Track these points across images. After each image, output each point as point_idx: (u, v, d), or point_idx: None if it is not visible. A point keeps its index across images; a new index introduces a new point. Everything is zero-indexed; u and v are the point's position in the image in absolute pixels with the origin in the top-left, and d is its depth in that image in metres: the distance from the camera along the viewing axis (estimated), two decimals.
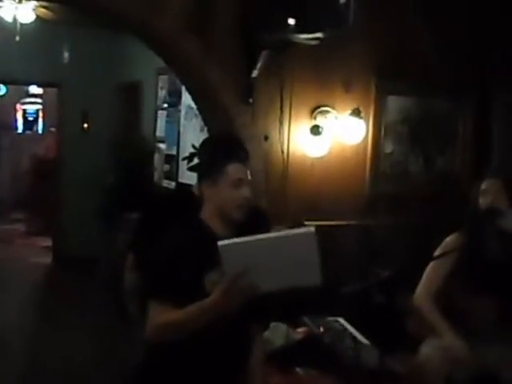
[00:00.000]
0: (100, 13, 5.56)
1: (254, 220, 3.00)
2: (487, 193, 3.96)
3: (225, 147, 3.00)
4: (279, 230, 2.78)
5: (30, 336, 7.48)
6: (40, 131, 16.00)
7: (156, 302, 2.77)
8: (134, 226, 4.27)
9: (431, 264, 4.02)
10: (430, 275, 4.03)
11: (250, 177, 2.91)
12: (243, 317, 2.71)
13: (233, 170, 2.87)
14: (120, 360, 6.21)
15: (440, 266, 3.98)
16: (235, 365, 2.94)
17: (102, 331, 7.48)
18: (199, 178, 2.99)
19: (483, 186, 4.00)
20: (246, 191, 2.87)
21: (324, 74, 5.63)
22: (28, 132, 15.98)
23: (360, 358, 4.08)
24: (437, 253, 4.01)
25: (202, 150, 3.32)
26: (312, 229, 2.66)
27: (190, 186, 3.86)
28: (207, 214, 2.92)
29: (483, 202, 3.96)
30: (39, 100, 15.74)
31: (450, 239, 4.06)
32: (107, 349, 6.89)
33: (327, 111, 5.63)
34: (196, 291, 2.72)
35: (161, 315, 2.74)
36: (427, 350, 3.97)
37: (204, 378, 2.86)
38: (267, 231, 2.91)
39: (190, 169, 6.04)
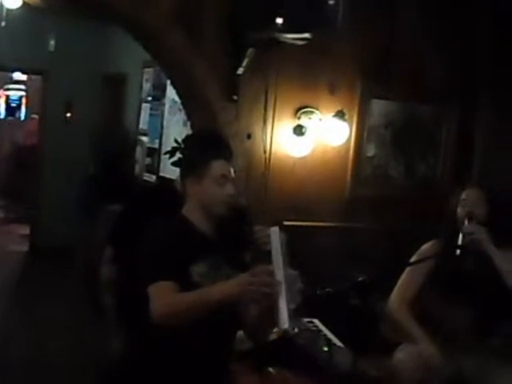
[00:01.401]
0: (88, 3, 5.53)
1: (236, 217, 3.01)
2: (466, 203, 3.97)
3: (209, 144, 3.00)
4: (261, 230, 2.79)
5: (4, 323, 7.43)
6: (22, 118, 15.90)
7: (158, 284, 2.71)
8: (114, 219, 4.25)
9: (407, 270, 4.04)
10: (405, 281, 4.04)
11: (233, 174, 2.92)
12: (222, 318, 2.71)
13: (217, 166, 2.88)
14: (92, 351, 6.20)
15: (415, 273, 4.00)
16: (219, 356, 2.94)
17: (75, 322, 7.45)
18: (183, 174, 3.00)
19: (463, 195, 4.00)
20: (229, 188, 2.89)
21: (309, 75, 5.63)
22: (10, 118, 15.87)
23: (333, 360, 4.08)
24: (413, 259, 4.03)
25: (186, 146, 3.32)
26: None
27: (171, 180, 3.85)
28: (190, 209, 2.92)
29: (461, 211, 3.97)
30: (23, 87, 15.64)
31: (426, 246, 4.08)
32: (80, 339, 6.88)
33: (311, 112, 5.63)
34: (182, 282, 2.71)
35: (168, 293, 2.68)
36: (401, 355, 3.98)
37: (188, 375, 2.86)
38: (249, 229, 2.93)
39: (174, 164, 6.03)
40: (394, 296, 4.06)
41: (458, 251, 3.81)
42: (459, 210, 3.98)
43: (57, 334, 7.09)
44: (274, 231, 2.64)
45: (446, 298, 3.91)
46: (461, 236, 3.82)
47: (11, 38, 9.44)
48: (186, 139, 3.48)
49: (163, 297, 2.68)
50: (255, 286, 2.54)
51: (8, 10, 8.35)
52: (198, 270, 2.76)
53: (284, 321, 2.60)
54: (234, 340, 3.05)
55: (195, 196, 2.90)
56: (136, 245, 2.85)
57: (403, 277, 4.06)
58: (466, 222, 3.87)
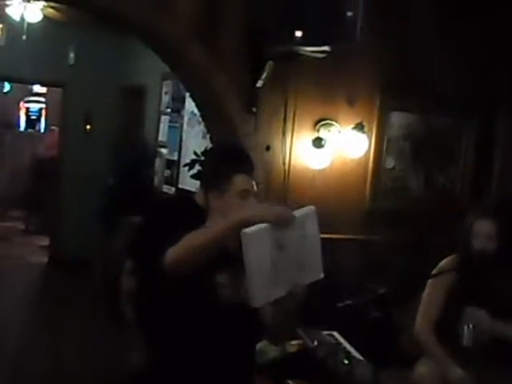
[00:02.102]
0: (107, 15, 5.56)
1: None
2: (479, 236, 3.95)
3: (232, 158, 3.00)
4: None
5: (22, 335, 7.47)
6: (42, 130, 16.00)
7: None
8: (133, 231, 4.25)
9: (428, 287, 4.02)
10: (427, 300, 4.03)
11: (255, 187, 2.93)
12: (244, 327, 2.71)
13: (239, 180, 2.88)
14: (111, 362, 6.21)
15: (437, 290, 3.99)
16: (239, 368, 2.95)
17: (94, 333, 7.47)
18: (205, 188, 3.00)
19: (475, 227, 3.97)
20: (252, 202, 2.89)
21: (328, 87, 5.64)
22: (30, 130, 15.98)
23: (353, 374, 4.08)
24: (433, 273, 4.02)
25: (208, 159, 3.32)
26: (313, 207, 2.71)
27: (191, 192, 3.85)
28: (214, 223, 2.92)
29: (475, 243, 3.95)
30: (42, 99, 15.75)
31: (445, 261, 4.06)
32: (99, 351, 6.89)
33: (330, 124, 5.63)
34: (206, 290, 2.72)
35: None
36: (422, 369, 3.97)
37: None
38: None
39: (193, 176, 6.05)
40: (419, 317, 4.04)
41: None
42: (473, 240, 3.96)
43: (76, 346, 7.11)
44: (246, 234, 2.62)
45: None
46: (465, 329, 3.81)
47: (32, 51, 9.51)
48: (208, 152, 3.49)
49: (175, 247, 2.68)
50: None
51: (29, 23, 8.44)
52: (220, 280, 2.77)
53: (253, 298, 2.56)
54: (254, 352, 3.05)
55: (218, 209, 2.91)
56: (156, 257, 2.86)
57: (425, 295, 4.05)
58: (468, 310, 3.85)
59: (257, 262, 2.56)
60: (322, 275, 2.75)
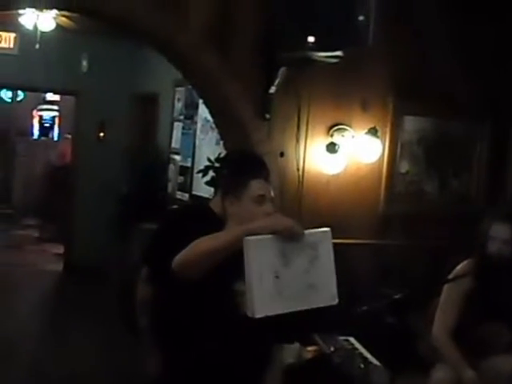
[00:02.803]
0: (120, 24, 5.58)
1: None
2: (495, 240, 3.94)
3: (248, 164, 3.04)
4: None
5: (38, 342, 7.48)
6: (55, 138, 16.07)
7: None
8: (148, 238, 4.26)
9: (444, 292, 4.01)
10: (444, 305, 4.01)
11: (271, 193, 2.94)
12: (260, 336, 2.71)
13: (255, 186, 2.91)
14: (126, 371, 6.21)
15: (453, 294, 3.97)
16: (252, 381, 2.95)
17: (110, 341, 7.47)
18: (222, 194, 3.02)
19: (491, 231, 3.96)
20: (268, 207, 2.91)
21: (342, 93, 5.64)
22: (43, 138, 16.04)
23: (370, 379, 4.07)
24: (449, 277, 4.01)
25: (224, 166, 3.34)
26: (328, 229, 2.73)
27: (205, 198, 3.86)
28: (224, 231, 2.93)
29: (491, 247, 3.94)
30: (55, 107, 15.82)
31: (461, 266, 4.05)
32: (114, 359, 6.89)
33: (344, 129, 5.63)
34: (224, 300, 2.74)
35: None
36: (439, 374, 3.95)
37: None
38: None
39: (207, 183, 6.05)
40: (437, 322, 4.03)
41: None
42: (489, 244, 3.95)
43: (91, 354, 7.10)
44: (248, 241, 2.63)
45: (484, 316, 3.88)
46: None
47: (45, 59, 9.54)
48: (224, 159, 3.50)
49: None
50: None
51: (42, 32, 8.48)
52: (238, 288, 2.77)
53: (251, 309, 2.56)
54: (270, 359, 3.05)
55: (235, 216, 2.92)
56: (171, 264, 2.86)
57: (442, 300, 4.04)
58: None
59: (257, 270, 2.56)
60: (336, 301, 2.74)
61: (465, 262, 4.05)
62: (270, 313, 2.62)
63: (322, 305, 2.74)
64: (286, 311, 2.63)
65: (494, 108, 6.10)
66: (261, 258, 2.57)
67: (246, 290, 2.58)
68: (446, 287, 4.03)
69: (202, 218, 3.52)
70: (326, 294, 2.73)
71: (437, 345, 4.02)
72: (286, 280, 2.61)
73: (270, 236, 2.60)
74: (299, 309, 2.70)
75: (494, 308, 3.86)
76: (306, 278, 2.66)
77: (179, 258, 2.69)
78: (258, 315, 2.56)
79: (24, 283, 9.96)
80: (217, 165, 6.05)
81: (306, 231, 2.66)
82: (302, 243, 2.64)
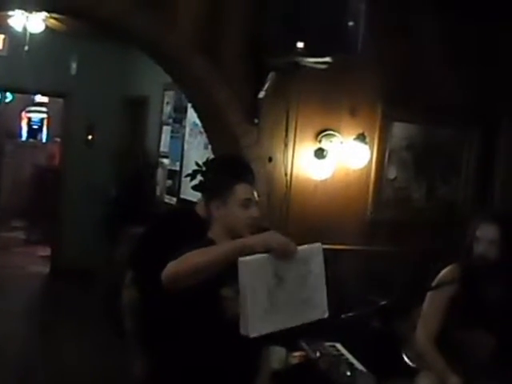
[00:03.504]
0: (109, 27, 5.57)
1: None
2: (481, 241, 3.93)
3: (233, 168, 3.05)
4: None
5: (25, 344, 7.46)
6: (44, 140, 16.02)
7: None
8: (135, 242, 4.25)
9: (428, 297, 4.00)
10: (427, 311, 4.00)
11: (257, 197, 2.95)
12: (248, 340, 2.71)
13: (241, 190, 2.91)
14: (113, 374, 6.20)
15: (436, 300, 3.96)
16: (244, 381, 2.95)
17: (96, 344, 7.45)
18: (207, 198, 3.02)
19: (478, 232, 3.96)
20: (254, 211, 2.92)
21: (330, 98, 5.65)
22: (31, 140, 15.99)
23: None
24: (433, 284, 4.00)
25: (210, 170, 3.35)
26: (319, 244, 2.75)
27: (192, 202, 3.86)
28: (217, 233, 2.94)
29: (476, 248, 3.94)
30: (44, 109, 15.77)
31: (445, 271, 4.04)
32: (101, 361, 6.88)
33: (332, 135, 5.64)
34: (211, 305, 2.75)
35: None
36: (424, 381, 3.95)
37: None
38: None
39: (194, 188, 6.04)
40: (420, 329, 4.02)
41: None
42: (475, 246, 3.94)
43: (78, 356, 7.10)
44: (242, 262, 2.64)
45: (467, 324, 3.87)
46: None
47: (34, 61, 9.51)
48: (209, 163, 3.50)
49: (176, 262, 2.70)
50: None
51: (31, 34, 8.46)
52: (224, 294, 2.77)
53: (245, 328, 2.58)
54: (258, 364, 3.05)
55: (221, 219, 2.93)
56: (158, 268, 2.86)
57: (425, 306, 4.02)
58: None
59: (252, 290, 2.57)
60: (326, 315, 2.77)
61: (449, 268, 4.04)
62: (264, 331, 2.65)
63: (313, 319, 2.77)
64: (279, 329, 2.66)
65: (481, 114, 6.12)
66: (255, 278, 2.59)
67: (240, 310, 2.59)
68: (428, 294, 4.02)
69: (187, 222, 3.53)
70: (318, 308, 2.76)
71: (421, 351, 4.02)
72: (279, 298, 2.63)
73: (263, 255, 2.61)
74: (292, 325, 2.73)
75: (479, 313, 3.85)
76: (299, 295, 2.69)
77: (168, 271, 2.68)
78: (253, 335, 2.58)
79: (11, 285, 9.91)
80: (205, 169, 6.05)
81: (299, 247, 2.68)
82: (294, 260, 2.65)
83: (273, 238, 2.66)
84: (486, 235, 3.91)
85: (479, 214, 4.18)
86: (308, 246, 2.75)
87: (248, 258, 2.58)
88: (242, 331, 2.58)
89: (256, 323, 2.58)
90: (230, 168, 3.05)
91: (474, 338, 3.85)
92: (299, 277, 2.68)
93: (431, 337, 3.95)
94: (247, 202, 2.90)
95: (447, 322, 3.94)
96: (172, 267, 2.68)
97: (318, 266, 2.75)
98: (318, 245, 2.77)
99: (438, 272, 4.09)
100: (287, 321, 2.68)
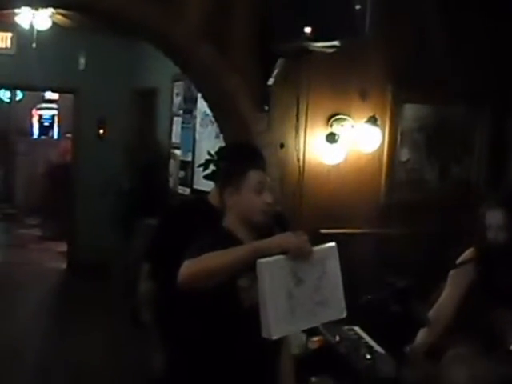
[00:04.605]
0: (116, 20, 5.57)
1: (275, 225, 3.02)
2: (491, 227, 3.92)
3: (244, 155, 3.06)
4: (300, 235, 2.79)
5: (43, 340, 7.51)
6: (55, 137, 16.07)
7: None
8: (150, 234, 4.27)
9: (449, 282, 3.98)
10: (447, 297, 3.98)
11: (269, 183, 2.95)
12: None
13: (254, 176, 2.92)
14: (132, 366, 6.23)
15: (458, 286, 3.95)
16: (263, 373, 2.95)
17: (115, 337, 7.49)
18: (220, 186, 3.02)
19: (487, 218, 3.95)
20: (267, 196, 2.92)
21: (340, 82, 5.63)
22: (43, 137, 16.05)
23: (376, 368, 4.07)
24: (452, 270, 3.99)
25: (222, 159, 3.35)
26: (333, 244, 2.78)
27: (205, 192, 3.86)
28: (231, 221, 2.95)
29: (489, 234, 3.93)
30: (55, 105, 15.82)
31: (465, 255, 4.03)
32: (120, 355, 6.91)
33: (343, 119, 5.62)
34: (228, 296, 2.76)
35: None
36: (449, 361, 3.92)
37: None
38: None
39: (206, 177, 6.05)
40: (422, 334, 3.98)
41: None
42: (487, 231, 3.94)
43: (96, 350, 7.13)
44: (261, 263, 2.65)
45: (490, 305, 3.86)
46: None
47: (42, 58, 9.53)
48: (221, 152, 3.50)
49: (192, 262, 2.71)
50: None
51: (38, 31, 8.48)
52: (241, 284, 2.78)
53: (267, 330, 2.61)
54: (277, 354, 3.04)
55: (234, 207, 2.93)
56: (173, 259, 2.86)
57: (446, 289, 4.00)
58: None
59: (271, 292, 2.60)
60: (344, 314, 2.78)
61: (468, 250, 4.04)
62: (285, 333, 2.70)
63: (331, 319, 2.81)
64: (299, 329, 2.69)
65: (493, 92, 6.08)
66: (274, 279, 2.62)
67: (261, 312, 2.62)
68: (449, 278, 4.00)
69: (200, 212, 3.53)
70: (336, 308, 2.79)
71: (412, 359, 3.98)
72: (298, 299, 2.66)
73: (281, 257, 2.63)
74: (311, 325, 2.77)
75: (499, 295, 3.84)
76: (316, 295, 2.72)
77: (184, 273, 2.70)
78: (275, 336, 2.62)
79: (28, 282, 9.99)
80: (217, 158, 6.05)
81: (314, 248, 2.69)
82: (310, 261, 2.66)
83: (289, 239, 2.67)
84: (494, 221, 3.91)
85: (487, 199, 4.17)
86: (323, 247, 2.78)
87: (266, 259, 2.60)
88: (264, 333, 2.62)
89: (277, 325, 2.61)
90: (242, 155, 3.07)
91: (499, 320, 3.84)
92: (316, 277, 2.71)
93: (431, 344, 3.93)
94: (260, 188, 2.91)
95: (470, 308, 3.93)
96: (188, 269, 2.69)
97: (333, 266, 2.78)
98: (332, 244, 2.80)
99: (455, 252, 4.08)
100: (307, 321, 2.73)
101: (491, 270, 3.90)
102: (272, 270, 2.61)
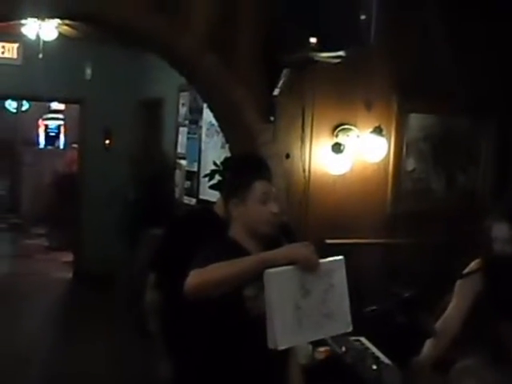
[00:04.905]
0: (123, 31, 5.59)
1: (281, 235, 3.02)
2: (497, 240, 3.91)
3: (250, 166, 3.06)
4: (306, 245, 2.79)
5: (49, 350, 7.51)
6: (61, 147, 16.10)
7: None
8: (155, 244, 4.27)
9: (456, 293, 3.96)
10: (455, 308, 3.96)
11: (275, 193, 2.95)
12: None
13: (259, 186, 2.92)
14: (137, 376, 6.23)
15: (465, 297, 3.93)
16: (269, 382, 2.95)
17: (120, 347, 7.48)
18: (225, 197, 3.03)
19: (493, 231, 3.94)
20: (272, 206, 2.92)
21: (345, 92, 5.64)
22: (49, 147, 16.08)
23: (382, 378, 4.05)
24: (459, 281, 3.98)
25: (228, 169, 3.36)
26: (341, 257, 2.78)
27: (211, 203, 3.87)
28: (237, 232, 2.95)
29: (495, 247, 3.92)
30: (61, 116, 15.85)
31: (472, 265, 4.01)
32: (125, 364, 6.91)
33: (349, 129, 5.62)
34: (234, 305, 2.77)
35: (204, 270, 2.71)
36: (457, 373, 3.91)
37: None
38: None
39: (212, 187, 6.05)
40: (429, 346, 3.96)
41: None
42: (493, 244, 3.92)
43: (102, 360, 7.13)
44: (268, 274, 2.65)
45: (497, 318, 3.84)
46: None
47: (48, 68, 9.56)
48: (226, 162, 3.50)
49: (198, 272, 2.71)
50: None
51: (44, 41, 8.50)
52: (248, 293, 2.78)
53: (273, 341, 2.61)
54: (284, 366, 3.04)
55: (240, 218, 2.93)
56: (179, 269, 2.86)
57: (453, 300, 3.99)
58: None
59: (278, 302, 2.60)
60: (350, 328, 2.79)
61: (476, 261, 4.02)
62: (291, 344, 2.70)
63: (338, 333, 2.82)
64: (306, 341, 2.69)
65: (498, 103, 6.08)
66: (281, 290, 2.62)
67: (267, 323, 2.62)
68: (456, 289, 3.98)
69: (205, 222, 3.54)
70: (342, 321, 2.79)
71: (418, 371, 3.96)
72: (305, 310, 2.66)
73: (289, 267, 2.63)
74: (317, 338, 2.77)
75: (505, 307, 3.82)
76: (323, 308, 2.72)
77: (191, 282, 2.70)
78: (281, 347, 2.61)
79: (34, 291, 10.00)
80: (223, 169, 6.06)
81: (321, 260, 2.69)
82: (318, 272, 2.66)
83: (296, 250, 2.68)
84: (499, 234, 3.90)
85: (493, 212, 4.16)
86: (331, 260, 2.78)
87: (274, 269, 2.60)
88: (270, 344, 2.62)
89: (284, 336, 2.61)
90: (247, 166, 3.07)
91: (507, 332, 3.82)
92: (323, 289, 2.71)
93: (438, 357, 3.91)
94: (265, 198, 2.91)
95: (477, 321, 3.91)
96: (194, 279, 2.69)
97: (341, 279, 2.78)
98: (340, 258, 2.80)
99: (462, 262, 4.07)
100: (313, 333, 2.73)
101: (497, 282, 3.88)
102: (279, 281, 2.61)
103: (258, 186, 2.91)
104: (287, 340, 2.64)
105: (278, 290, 2.61)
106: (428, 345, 3.88)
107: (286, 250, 2.70)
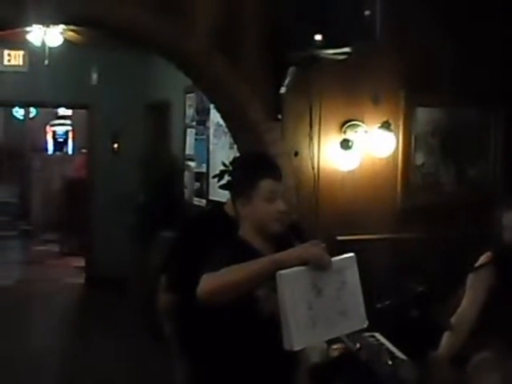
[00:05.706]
0: (128, 35, 5.59)
1: (290, 233, 3.02)
2: (507, 229, 3.90)
3: (256, 165, 3.05)
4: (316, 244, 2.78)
5: (63, 355, 7.53)
6: (70, 152, 16.14)
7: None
8: (167, 247, 4.27)
9: (469, 288, 3.94)
10: (468, 301, 3.94)
11: (282, 192, 2.95)
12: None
13: (265, 185, 2.91)
14: (152, 380, 6.23)
15: (477, 291, 3.91)
16: (284, 382, 2.95)
17: (134, 351, 7.49)
18: (233, 197, 3.02)
19: (504, 220, 3.93)
20: (280, 204, 2.91)
21: (352, 88, 5.63)
22: (58, 153, 16.12)
23: (397, 374, 4.04)
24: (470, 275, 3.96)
25: (234, 169, 3.35)
26: (352, 254, 2.78)
27: (221, 203, 3.86)
28: (247, 231, 2.95)
29: (506, 236, 3.90)
30: (68, 121, 15.90)
31: (483, 259, 4.00)
32: (139, 369, 6.92)
33: (357, 125, 5.61)
34: (247, 306, 2.76)
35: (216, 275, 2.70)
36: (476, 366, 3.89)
37: None
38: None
39: (221, 187, 6.05)
40: (446, 341, 3.95)
41: None
42: (503, 233, 3.91)
43: (116, 364, 7.13)
44: (281, 275, 2.64)
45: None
46: None
47: (54, 74, 9.59)
48: (234, 162, 3.50)
49: (212, 277, 2.70)
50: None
51: (50, 48, 8.52)
52: (259, 294, 2.78)
53: (289, 342, 2.61)
54: (298, 357, 3.04)
55: (248, 217, 2.94)
56: (192, 271, 2.86)
57: (466, 295, 3.97)
58: None
59: (292, 303, 2.60)
60: (366, 324, 2.80)
61: (486, 254, 4.01)
62: (307, 344, 2.70)
63: (353, 330, 2.81)
64: (321, 340, 2.68)
65: (506, 93, 6.05)
66: (294, 290, 2.62)
67: (282, 324, 2.61)
68: (468, 283, 3.96)
69: (217, 222, 3.54)
70: (356, 319, 2.79)
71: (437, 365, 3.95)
72: (318, 310, 2.66)
73: (301, 268, 2.63)
74: (333, 336, 2.77)
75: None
76: (337, 306, 2.72)
77: (205, 288, 2.70)
78: (296, 348, 2.61)
79: (48, 297, 10.04)
80: (231, 169, 6.06)
81: (333, 259, 2.69)
82: (330, 271, 2.66)
83: (307, 250, 2.67)
84: (509, 224, 3.88)
85: (504, 201, 4.14)
86: (342, 257, 2.78)
87: (286, 271, 2.60)
88: (286, 345, 2.61)
89: (299, 336, 2.61)
90: (253, 165, 3.06)
91: None
92: (335, 288, 2.71)
93: (455, 351, 3.89)
94: (272, 197, 2.90)
95: (491, 314, 3.90)
96: (207, 284, 2.69)
97: (353, 277, 2.78)
98: (351, 255, 2.80)
99: (474, 256, 4.06)
100: (328, 332, 2.73)
101: (509, 272, 3.87)
102: (292, 282, 2.61)
103: (263, 185, 2.90)
104: (303, 340, 2.64)
105: (291, 292, 2.61)
106: (445, 339, 3.87)
107: (298, 251, 2.70)
